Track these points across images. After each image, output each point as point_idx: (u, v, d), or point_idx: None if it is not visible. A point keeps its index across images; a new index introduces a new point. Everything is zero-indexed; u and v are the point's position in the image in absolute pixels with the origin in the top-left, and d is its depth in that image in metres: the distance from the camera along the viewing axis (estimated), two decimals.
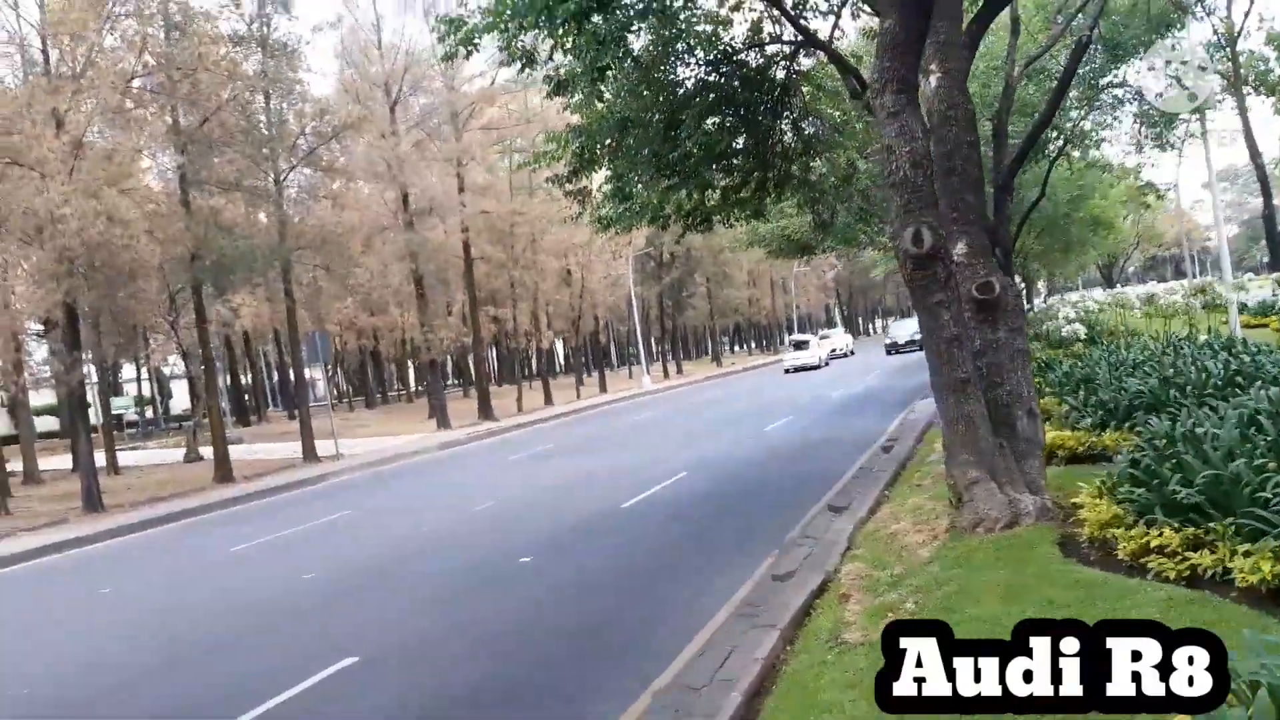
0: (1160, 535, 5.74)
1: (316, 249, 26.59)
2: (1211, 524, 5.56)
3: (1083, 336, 20.16)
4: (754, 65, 12.92)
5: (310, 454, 25.80)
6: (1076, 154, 22.79)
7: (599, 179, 14.29)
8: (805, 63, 13.65)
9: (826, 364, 44.84)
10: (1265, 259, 66.99)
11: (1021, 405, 8.00)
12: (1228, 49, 27.29)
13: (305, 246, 26.38)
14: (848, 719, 4.50)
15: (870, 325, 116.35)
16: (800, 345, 47.73)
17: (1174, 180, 36.91)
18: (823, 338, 55.86)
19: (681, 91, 12.45)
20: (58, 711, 7.26)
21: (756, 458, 16.22)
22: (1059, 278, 61.07)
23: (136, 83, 23.46)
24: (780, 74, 13.11)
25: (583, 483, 15.81)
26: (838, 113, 14.34)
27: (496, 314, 45.64)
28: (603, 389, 47.58)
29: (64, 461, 29.77)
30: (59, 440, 36.36)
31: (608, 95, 11.14)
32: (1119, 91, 20.56)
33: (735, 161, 13.86)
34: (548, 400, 41.43)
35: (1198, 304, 19.25)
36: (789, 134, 14.13)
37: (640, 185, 13.63)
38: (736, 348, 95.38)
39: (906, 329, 48.60)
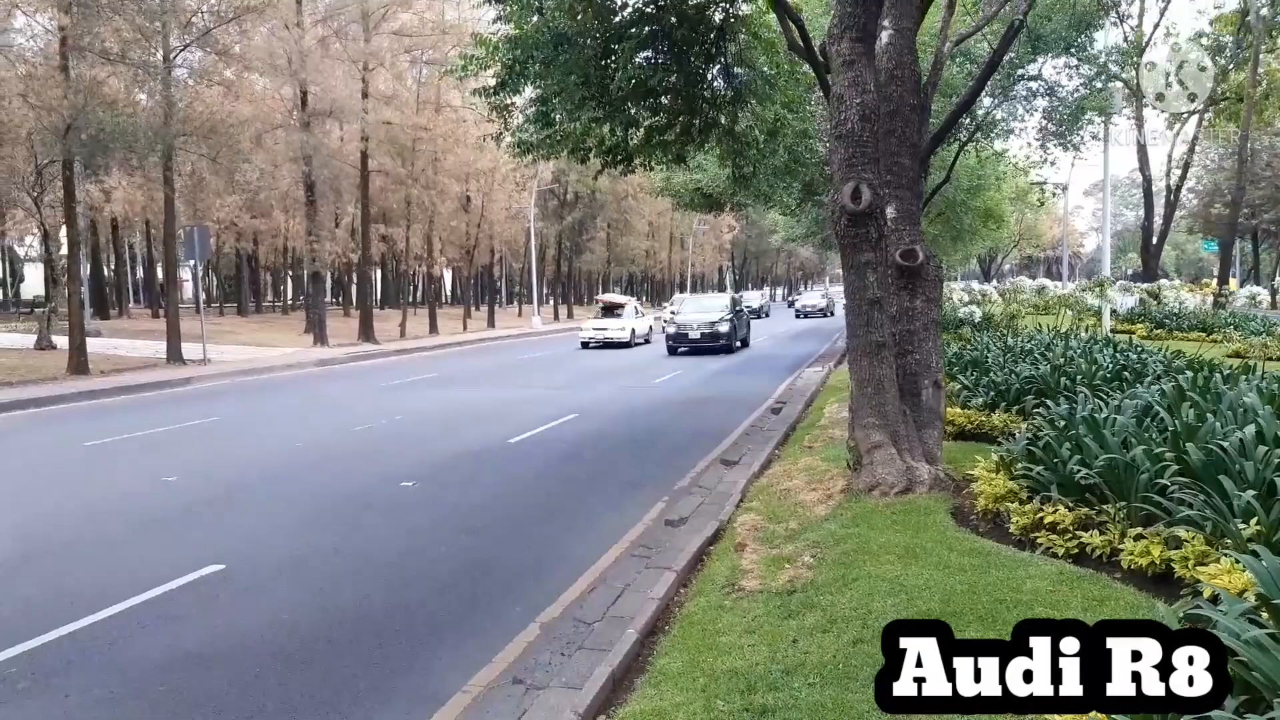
0: (1054, 512, 5.87)
1: (203, 137, 24.88)
2: (1105, 506, 5.71)
3: (978, 319, 20.83)
4: (693, 2, 12.59)
5: (175, 355, 24.40)
6: (985, 142, 23.35)
7: (523, 101, 13.77)
8: (745, 8, 13.40)
9: (646, 341, 33.04)
10: (1130, 271, 71.20)
11: (929, 376, 8.09)
12: (1134, 58, 28.37)
13: (191, 133, 24.63)
14: (748, 663, 4.41)
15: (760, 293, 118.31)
16: (611, 310, 34.16)
17: (1066, 182, 38.37)
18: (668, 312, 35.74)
19: (617, 19, 12.04)
20: None
21: (647, 407, 16.16)
22: (946, 265, 63.30)
23: None
24: (719, 16, 12.83)
25: (467, 415, 15.41)
26: (770, 65, 14.16)
27: (388, 233, 44.15)
28: (491, 324, 46.81)
29: None
30: None
31: (548, 4, 10.62)
32: (1034, 84, 21.13)
33: (663, 102, 13.53)
34: (433, 329, 40.48)
35: (1091, 298, 20.13)
36: (720, 80, 13.90)
37: (565, 113, 13.20)
38: (659, 300, 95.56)
39: (812, 298, 55.37)
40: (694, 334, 27.42)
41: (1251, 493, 4.83)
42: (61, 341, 24.70)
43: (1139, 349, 12.08)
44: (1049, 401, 8.54)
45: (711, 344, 27.57)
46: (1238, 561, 4.32)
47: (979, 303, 23.31)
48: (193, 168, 30.90)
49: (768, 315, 55.86)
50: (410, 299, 51.56)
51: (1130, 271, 67.05)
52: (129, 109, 24.96)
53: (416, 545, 7.70)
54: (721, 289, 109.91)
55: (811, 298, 61.11)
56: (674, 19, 12.27)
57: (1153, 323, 24.42)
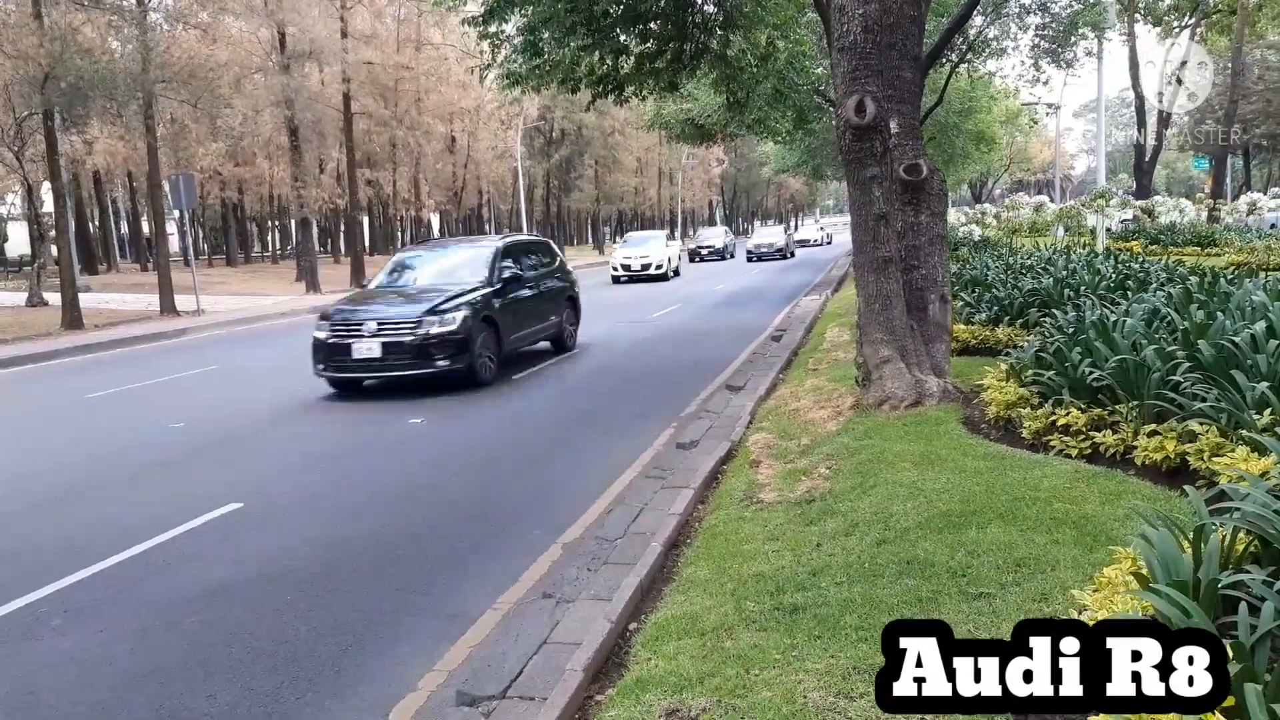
0: (1067, 415, 5.92)
1: (183, 83, 24.40)
2: (1118, 406, 5.76)
3: (977, 238, 20.78)
4: None
5: (169, 307, 24.26)
6: (977, 62, 23.04)
7: (510, 30, 13.51)
8: None
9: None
10: (1121, 191, 70.90)
11: (935, 290, 8.09)
12: None
13: (170, 79, 24.13)
14: (774, 567, 4.48)
15: (749, 227, 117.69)
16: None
17: (1058, 103, 37.95)
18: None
19: None
20: None
21: (648, 340, 16.16)
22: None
23: None
24: None
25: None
26: None
27: (374, 177, 43.65)
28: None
29: None
30: None
31: None
32: (1025, 0, 20.81)
33: (653, 27, 13.32)
34: None
35: (1090, 214, 20.08)
36: (710, 4, 13.65)
37: (554, 41, 12.97)
38: (619, 237, 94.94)
39: (768, 235, 46.75)
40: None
41: (1265, 384, 4.88)
42: (53, 298, 24.53)
43: (1140, 259, 12.09)
44: (1055, 311, 8.56)
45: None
46: (1254, 449, 4.38)
47: (979, 222, 23.24)
48: (173, 115, 30.40)
49: (732, 256, 46.37)
50: (399, 243, 51.13)
51: (1121, 191, 66.79)
52: (106, 56, 24.41)
53: (430, 478, 7.75)
54: (712, 224, 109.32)
55: (767, 235, 48.19)
56: None
57: (1149, 239, 24.39)
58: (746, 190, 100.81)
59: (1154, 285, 9.27)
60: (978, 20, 20.44)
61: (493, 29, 12.47)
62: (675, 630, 4.00)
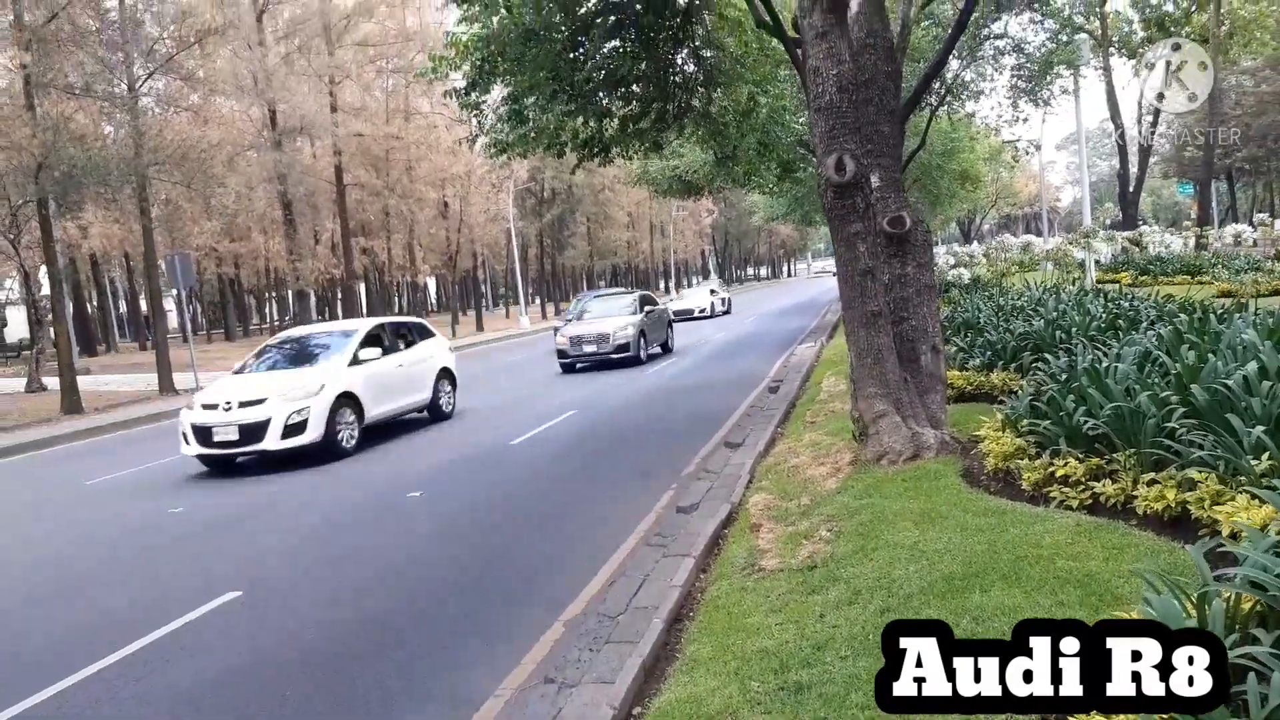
0: (1065, 465, 5.89)
1: (176, 164, 24.69)
2: (1115, 455, 5.73)
3: (967, 281, 20.87)
4: None
5: (167, 386, 24.27)
6: (956, 105, 23.36)
7: (494, 100, 13.72)
8: None
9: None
10: (1108, 221, 71.48)
11: (926, 340, 8.11)
12: (1097, 8, 28.38)
13: (163, 162, 24.43)
14: (777, 642, 4.41)
15: (742, 274, 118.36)
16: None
17: (1039, 138, 38.45)
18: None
19: (583, 10, 11.99)
20: None
21: (644, 397, 16.15)
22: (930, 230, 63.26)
23: None
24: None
25: (468, 419, 15.39)
26: (737, 45, 14.13)
27: (369, 245, 44.02)
28: (479, 328, 46.71)
29: None
30: None
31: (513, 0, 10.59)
32: (1000, 43, 21.14)
33: (635, 90, 13.51)
34: None
35: (1077, 250, 20.19)
36: (690, 64, 13.87)
37: (538, 108, 13.17)
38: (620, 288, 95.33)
39: (697, 298, 40.13)
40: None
41: (1261, 428, 4.86)
42: (52, 383, 24.55)
43: (1129, 296, 12.13)
44: (1047, 356, 8.56)
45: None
46: (1255, 497, 4.35)
47: (966, 264, 23.35)
48: (167, 196, 30.71)
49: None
50: (397, 310, 51.33)
51: (1108, 221, 67.31)
52: (99, 143, 24.77)
53: (430, 552, 7.69)
54: (705, 275, 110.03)
55: (693, 298, 41.33)
56: (639, 6, 12.23)
57: (1138, 270, 24.51)
58: (738, 238, 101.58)
59: (1144, 324, 9.28)
60: (954, 64, 20.76)
61: (475, 99, 12.65)
62: (680, 715, 3.93)
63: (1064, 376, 6.86)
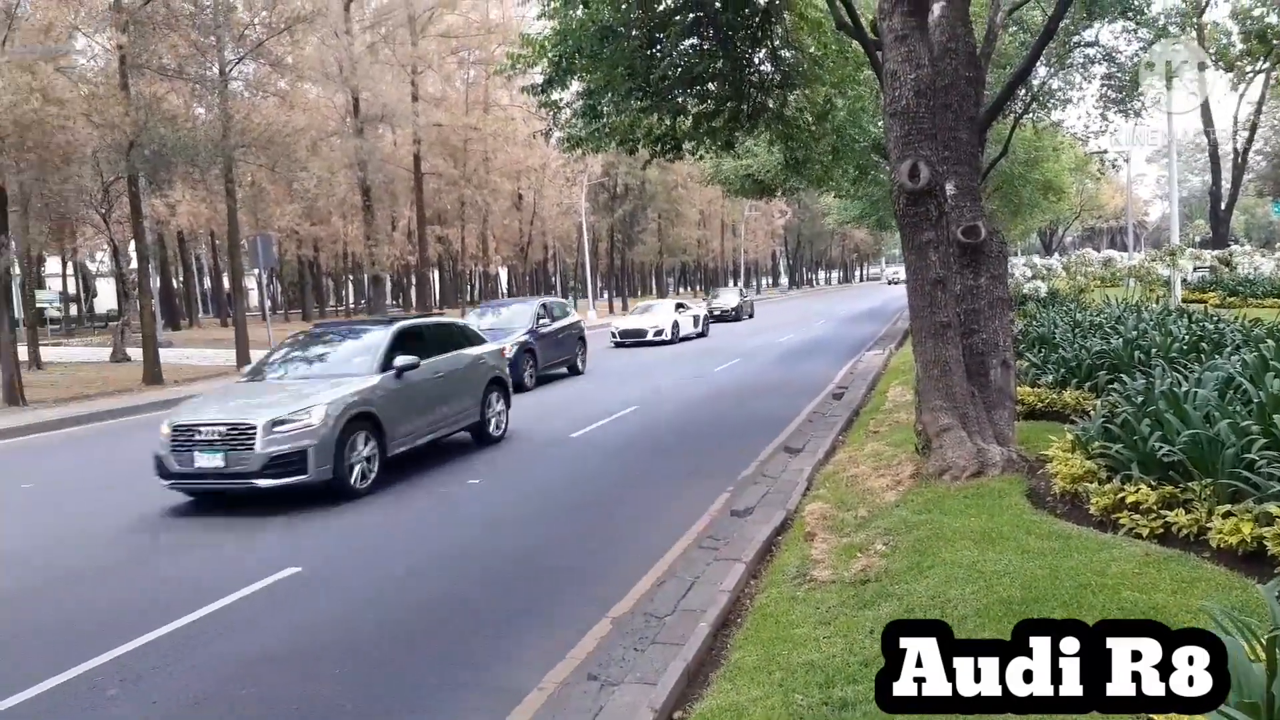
0: (1136, 491, 5.68)
1: (262, 147, 25.37)
2: (1190, 484, 5.50)
3: (1044, 295, 20.32)
4: None
5: (245, 362, 24.95)
6: (1041, 113, 22.74)
7: (570, 95, 13.81)
8: None
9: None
10: (1198, 238, 68.87)
11: (996, 355, 7.90)
12: (1194, 19, 27.31)
13: (250, 144, 25.14)
14: (824, 655, 4.34)
15: (814, 277, 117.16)
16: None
17: (1127, 149, 37.13)
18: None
19: (661, 8, 11.97)
20: None
21: (707, 396, 16.09)
22: (1006, 240, 61.78)
23: None
24: None
25: (528, 410, 15.51)
26: (816, 46, 13.96)
27: (443, 234, 44.71)
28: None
29: None
30: None
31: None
32: (1091, 51, 20.51)
33: (710, 88, 13.47)
34: None
35: (1162, 268, 19.48)
36: (767, 64, 13.76)
37: (613, 105, 13.22)
38: (683, 288, 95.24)
39: (654, 317, 29.46)
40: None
41: None
42: (136, 354, 25.47)
43: (1214, 318, 11.65)
44: (1124, 376, 8.27)
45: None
46: None
47: (1044, 278, 22.71)
48: (252, 178, 31.62)
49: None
50: (468, 298, 52.06)
51: (1198, 239, 64.82)
52: (188, 123, 25.58)
53: (485, 541, 7.77)
54: (775, 276, 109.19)
55: (649, 316, 30.22)
56: (719, 3, 12.17)
57: (1226, 290, 23.55)
58: (810, 240, 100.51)
59: (1229, 348, 8.90)
60: (1041, 71, 20.20)
61: (552, 96, 12.74)
62: None
63: (1140, 399, 6.62)
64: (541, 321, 18.96)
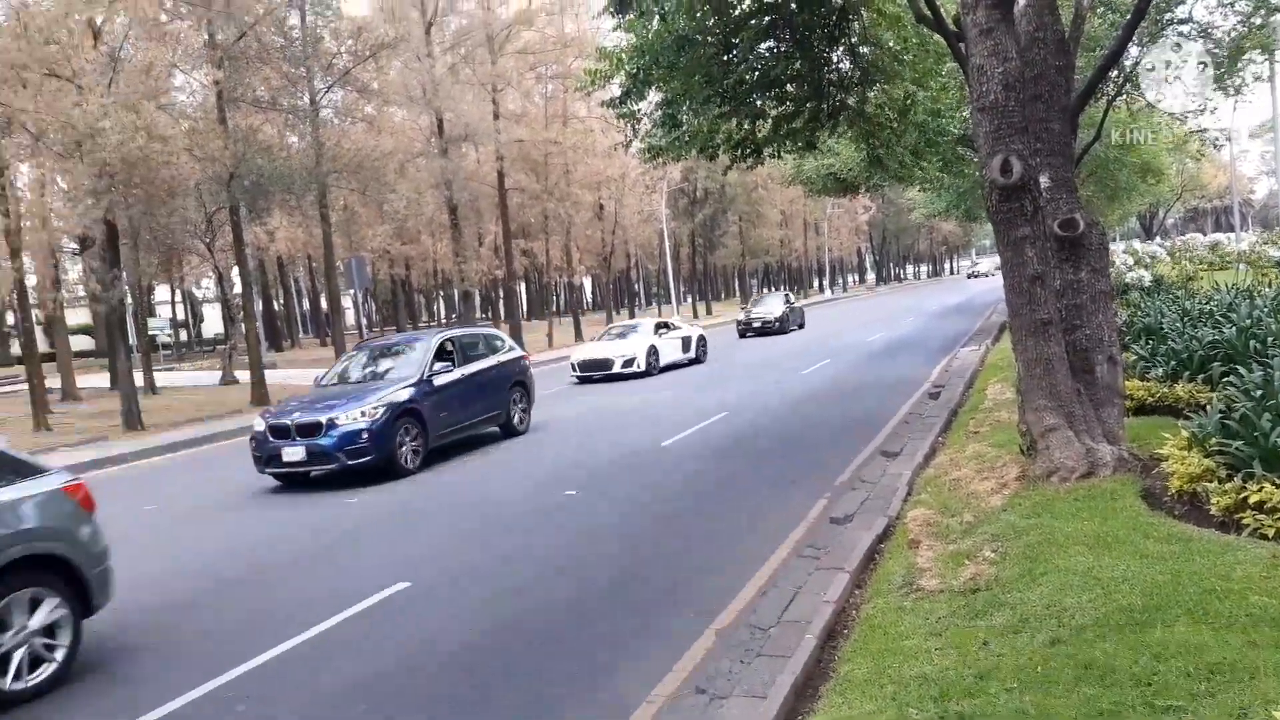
0: (1260, 490, 5.43)
1: (352, 172, 26.25)
2: None
3: (1148, 284, 19.52)
4: None
5: None
6: (1135, 94, 21.86)
7: (648, 106, 13.89)
8: None
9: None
10: None
11: (1102, 351, 7.64)
12: None
13: (341, 170, 26.03)
14: (937, 668, 4.27)
15: (901, 272, 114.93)
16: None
17: (1229, 127, 35.37)
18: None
19: (736, 13, 11.95)
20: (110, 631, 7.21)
21: (798, 400, 15.94)
22: (1104, 227, 59.57)
23: None
24: None
25: (618, 420, 15.63)
26: (895, 41, 13.74)
27: (528, 247, 45.41)
28: (634, 321, 47.27)
29: (100, 380, 30.04)
30: (94, 359, 36.65)
31: (667, 7, 10.66)
32: (1185, 28, 19.62)
33: (788, 90, 13.37)
34: (578, 336, 41.23)
35: (1274, 250, 18.50)
36: (845, 62, 13.60)
37: (691, 113, 13.25)
38: (766, 290, 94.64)
39: (626, 345, 23.77)
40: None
41: None
42: (243, 376, 26.55)
43: None
44: (1239, 368, 7.89)
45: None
46: None
47: (1147, 265, 21.82)
48: (344, 202, 32.63)
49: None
50: (554, 309, 52.73)
51: None
52: (283, 153, 26.60)
53: (584, 552, 7.86)
54: (861, 273, 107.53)
55: (619, 344, 24.33)
56: (793, 5, 12.09)
57: None
58: (896, 235, 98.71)
59: None
60: (1134, 51, 19.43)
61: (629, 107, 12.83)
62: None
63: (1259, 392, 6.32)
64: (438, 368, 13.39)
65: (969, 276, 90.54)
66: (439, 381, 13.22)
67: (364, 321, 35.08)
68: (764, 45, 12.66)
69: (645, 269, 74.26)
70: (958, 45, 9.75)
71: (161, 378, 30.32)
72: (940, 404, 13.19)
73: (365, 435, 11.66)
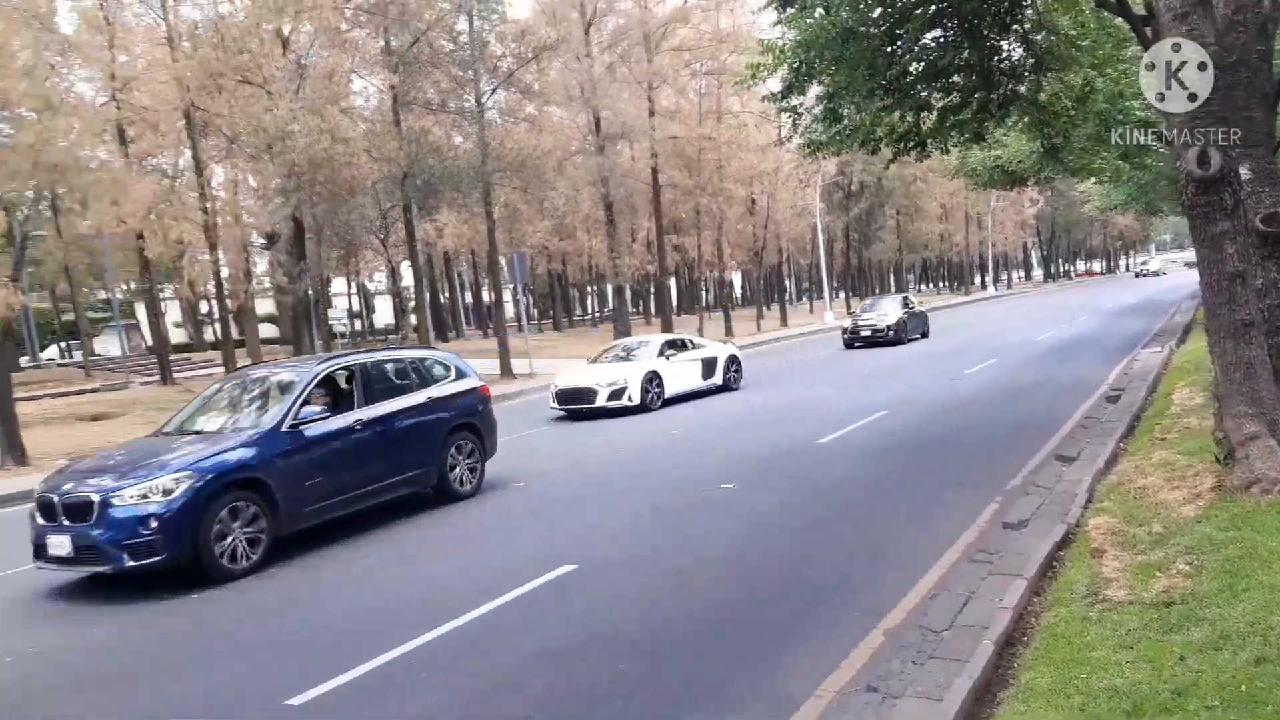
0: None
1: (515, 170, 27.21)
2: None
3: None
4: None
5: (506, 371, 26.79)
6: None
7: (809, 100, 13.77)
8: None
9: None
10: None
11: None
12: None
13: (505, 168, 27.02)
14: (1129, 681, 4.10)
15: (1070, 269, 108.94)
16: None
17: None
18: None
19: (901, 3, 11.67)
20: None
21: (961, 400, 15.44)
22: None
23: (351, 4, 24.53)
24: None
25: (773, 416, 15.56)
26: (1072, 25, 13.08)
27: (680, 242, 45.76)
28: (784, 322, 46.91)
29: None
30: (278, 345, 39.39)
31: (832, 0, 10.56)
32: None
33: (956, 80, 12.95)
34: (728, 331, 41.25)
35: None
36: (1017, 49, 13.06)
37: (853, 106, 13.04)
38: (924, 286, 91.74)
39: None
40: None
41: None
42: None
43: None
44: None
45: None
46: None
47: None
48: (506, 200, 33.85)
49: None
50: (704, 303, 52.92)
51: None
52: (451, 153, 27.86)
53: (743, 545, 7.93)
54: (1027, 269, 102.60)
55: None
56: None
57: None
58: (1066, 229, 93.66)
59: None
60: None
61: (791, 102, 12.75)
62: None
63: None
64: (310, 413, 9.24)
65: (1137, 275, 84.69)
66: (314, 431, 9.03)
67: (524, 315, 36.23)
68: (930, 35, 12.32)
69: (797, 263, 73.36)
70: (1144, 30, 9.23)
71: None
72: (1120, 408, 12.49)
73: (153, 523, 7.73)
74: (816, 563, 7.27)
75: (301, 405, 9.10)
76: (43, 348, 45.57)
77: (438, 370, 11.22)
